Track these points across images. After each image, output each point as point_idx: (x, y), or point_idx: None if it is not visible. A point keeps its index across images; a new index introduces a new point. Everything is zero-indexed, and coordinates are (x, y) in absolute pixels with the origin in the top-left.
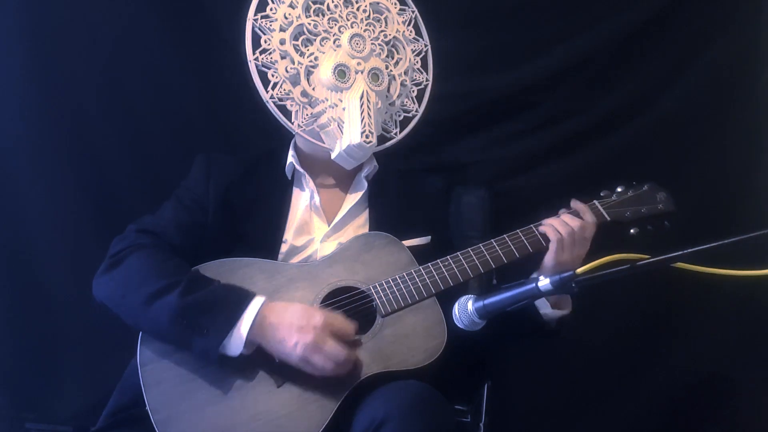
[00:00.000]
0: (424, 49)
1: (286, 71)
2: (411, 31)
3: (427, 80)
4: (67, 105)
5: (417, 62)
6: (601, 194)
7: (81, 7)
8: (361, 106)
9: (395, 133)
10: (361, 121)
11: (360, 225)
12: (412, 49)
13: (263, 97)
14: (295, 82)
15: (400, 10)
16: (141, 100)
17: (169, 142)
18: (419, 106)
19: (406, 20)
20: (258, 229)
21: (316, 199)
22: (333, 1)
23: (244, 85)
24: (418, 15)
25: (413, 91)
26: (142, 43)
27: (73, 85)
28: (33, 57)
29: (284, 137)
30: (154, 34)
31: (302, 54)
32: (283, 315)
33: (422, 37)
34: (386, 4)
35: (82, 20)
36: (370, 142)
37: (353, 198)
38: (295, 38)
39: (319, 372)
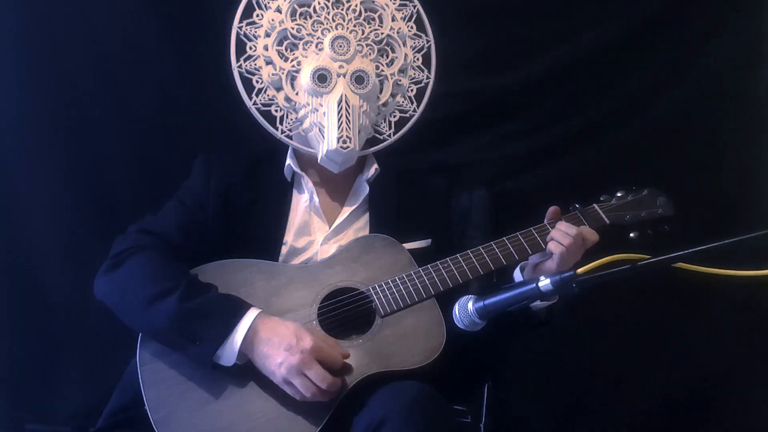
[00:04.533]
0: (426, 45)
1: (269, 77)
2: (412, 27)
3: (428, 77)
4: (67, 105)
5: (417, 59)
6: (601, 198)
7: (81, 7)
8: (339, 111)
9: (389, 134)
10: (338, 126)
11: (360, 227)
12: (411, 46)
13: (247, 104)
14: (278, 87)
15: (401, 5)
16: (141, 100)
17: (169, 142)
18: (418, 105)
19: (406, 16)
20: (258, 230)
21: (316, 199)
22: (320, 3)
23: None
24: (421, 9)
25: (411, 90)
26: (142, 42)
27: (73, 85)
28: (32, 57)
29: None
30: (154, 34)
31: (286, 59)
32: (273, 332)
33: (425, 33)
34: (382, 2)
35: (82, 20)
36: (348, 147)
37: (354, 201)
38: (280, 43)
39: (300, 396)
